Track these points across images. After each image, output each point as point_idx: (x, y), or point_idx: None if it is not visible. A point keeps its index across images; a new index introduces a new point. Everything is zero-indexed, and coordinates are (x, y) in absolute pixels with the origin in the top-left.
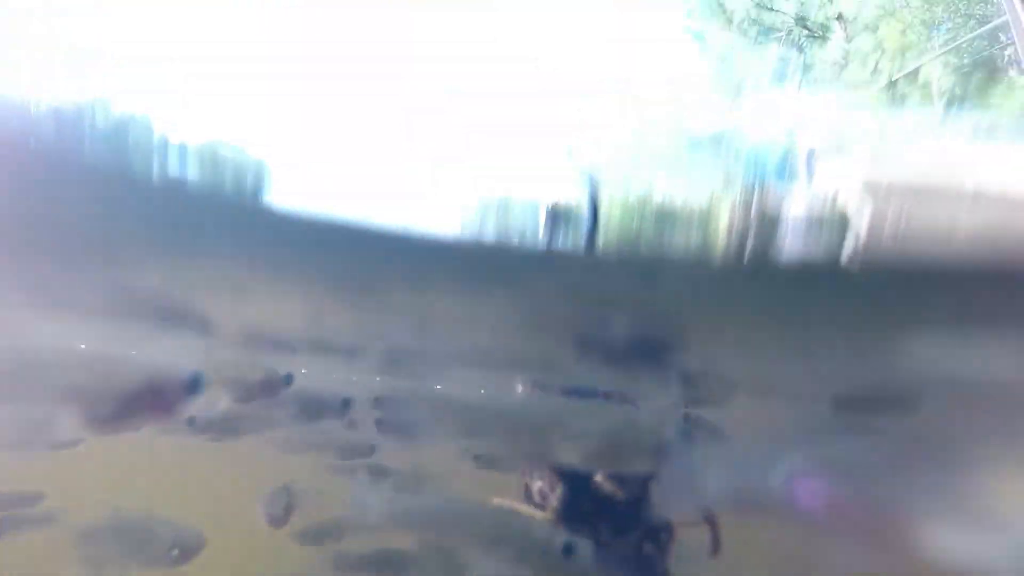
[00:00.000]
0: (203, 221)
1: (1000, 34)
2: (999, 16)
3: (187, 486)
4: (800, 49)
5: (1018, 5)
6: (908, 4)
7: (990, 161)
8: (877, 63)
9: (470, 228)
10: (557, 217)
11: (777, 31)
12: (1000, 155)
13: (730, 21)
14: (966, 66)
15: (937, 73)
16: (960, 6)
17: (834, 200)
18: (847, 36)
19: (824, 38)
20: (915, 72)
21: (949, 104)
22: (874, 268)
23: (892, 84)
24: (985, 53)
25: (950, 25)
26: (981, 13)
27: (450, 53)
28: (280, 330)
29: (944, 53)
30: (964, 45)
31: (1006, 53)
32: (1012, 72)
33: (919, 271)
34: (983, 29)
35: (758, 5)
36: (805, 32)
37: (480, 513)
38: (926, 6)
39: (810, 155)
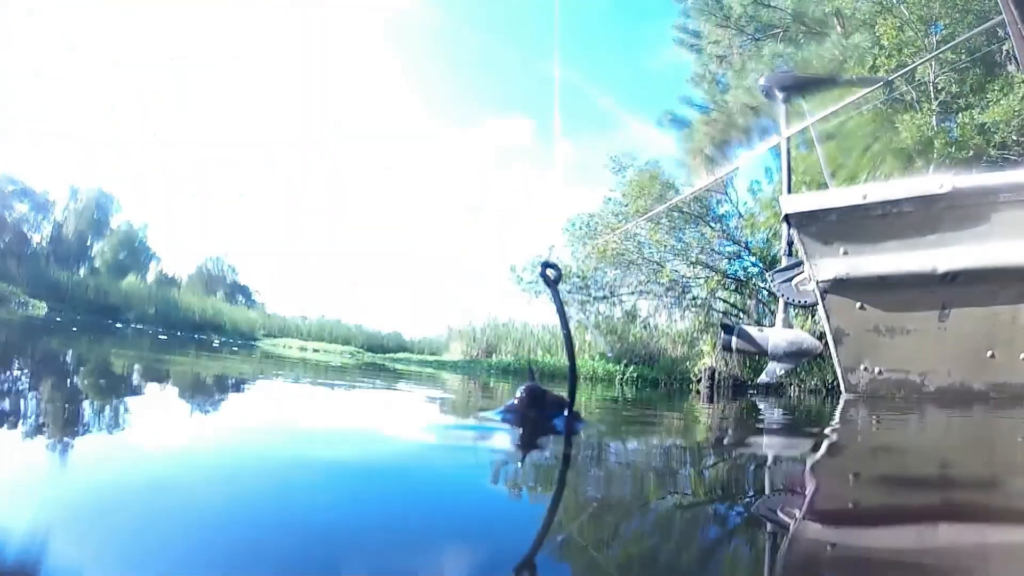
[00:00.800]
0: None
1: (998, 29)
2: (997, 12)
3: None
4: (797, 46)
5: (1012, 4)
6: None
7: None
8: (875, 60)
9: None
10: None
11: (774, 28)
12: None
13: (727, 17)
14: (963, 62)
15: (934, 71)
16: (958, 2)
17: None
18: (844, 32)
19: (822, 34)
20: (912, 69)
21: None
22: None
23: (889, 83)
24: (984, 49)
25: (947, 21)
26: (979, 8)
27: None
28: None
29: (942, 51)
30: (962, 41)
31: (1004, 48)
32: (1010, 68)
33: None
34: (982, 27)
35: (755, 1)
36: (803, 28)
37: None
38: (923, 2)
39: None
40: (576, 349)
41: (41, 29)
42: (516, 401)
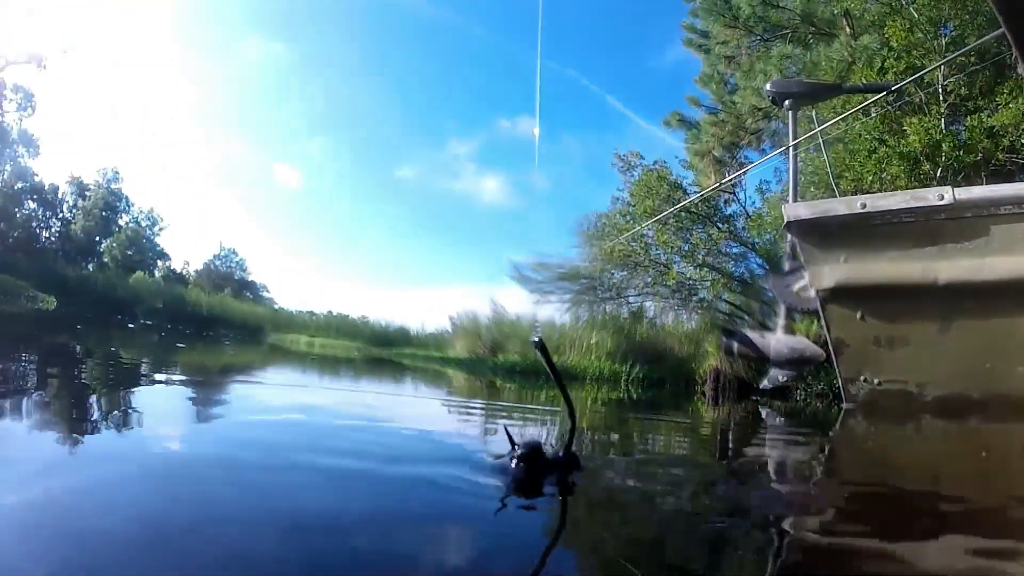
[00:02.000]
0: None
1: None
2: None
3: None
4: (806, 47)
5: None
6: (914, 0)
7: None
8: (883, 61)
9: None
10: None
11: (783, 28)
12: None
13: (736, 18)
14: (973, 65)
15: (943, 73)
16: (967, 3)
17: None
18: (853, 33)
19: (831, 35)
20: (920, 75)
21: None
22: None
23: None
24: (994, 51)
25: (957, 23)
26: (989, 10)
27: None
28: None
29: (953, 57)
30: (971, 43)
31: (1013, 51)
32: (1020, 70)
33: None
34: (993, 34)
35: (764, 2)
36: (811, 29)
37: None
38: (932, 3)
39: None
40: (572, 394)
41: (41, 29)
42: (513, 465)
